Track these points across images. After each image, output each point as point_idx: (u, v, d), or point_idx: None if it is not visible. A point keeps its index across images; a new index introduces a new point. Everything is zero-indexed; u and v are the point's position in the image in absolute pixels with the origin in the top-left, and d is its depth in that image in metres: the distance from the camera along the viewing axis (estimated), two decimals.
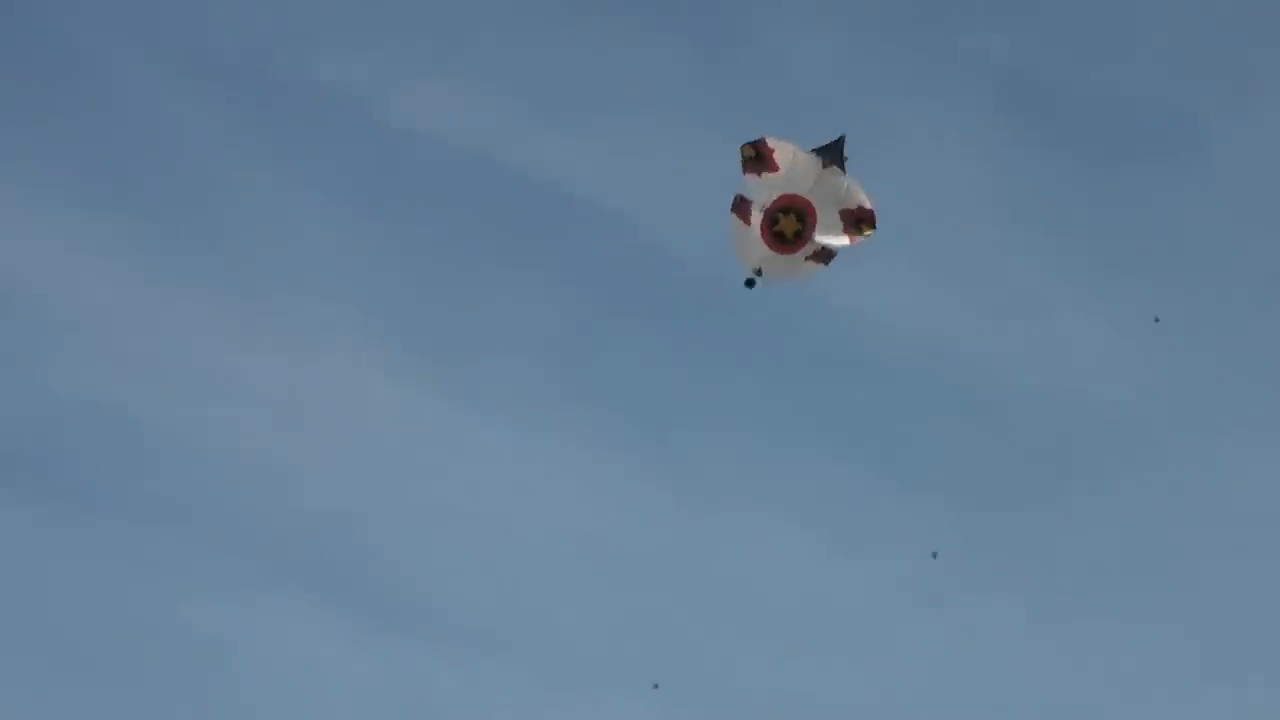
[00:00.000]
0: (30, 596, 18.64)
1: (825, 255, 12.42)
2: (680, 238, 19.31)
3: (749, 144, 12.01)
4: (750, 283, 12.47)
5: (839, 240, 12.25)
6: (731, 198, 12.31)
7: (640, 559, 19.39)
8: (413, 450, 20.20)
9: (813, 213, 12.32)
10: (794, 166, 12.08)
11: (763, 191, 12.22)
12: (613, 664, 18.43)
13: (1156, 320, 17.27)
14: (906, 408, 20.20)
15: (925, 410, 20.19)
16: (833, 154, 12.08)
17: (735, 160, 12.61)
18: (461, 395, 20.38)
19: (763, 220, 12.38)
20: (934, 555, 15.81)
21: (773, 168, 12.06)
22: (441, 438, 20.18)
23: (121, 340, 20.43)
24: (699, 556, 18.42)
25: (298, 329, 20.77)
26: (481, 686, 18.00)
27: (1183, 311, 19.53)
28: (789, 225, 12.38)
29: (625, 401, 20.23)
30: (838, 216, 12.11)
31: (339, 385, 20.36)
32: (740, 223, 12.40)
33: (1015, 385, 20.72)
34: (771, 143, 12.00)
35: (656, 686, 16.52)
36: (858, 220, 12.12)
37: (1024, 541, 19.54)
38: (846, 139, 12.12)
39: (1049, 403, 20.36)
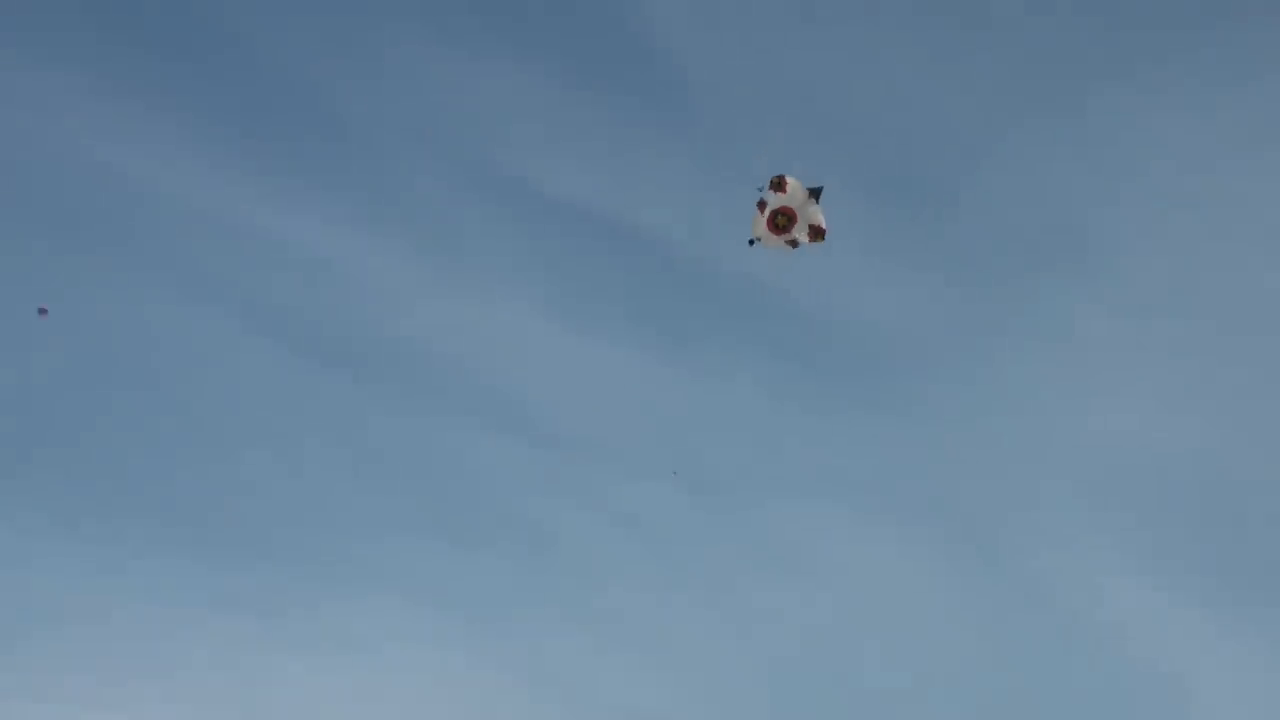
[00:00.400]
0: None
1: (795, 244, 22.65)
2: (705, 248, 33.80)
3: (776, 176, 22.25)
4: (751, 243, 22.73)
5: (804, 238, 22.67)
6: (755, 210, 22.51)
7: (662, 402, 35.73)
8: (545, 349, 36.41)
9: (796, 219, 22.45)
10: (795, 192, 22.22)
11: (775, 200, 22.30)
12: (647, 460, 33.88)
13: (675, 473, 32.20)
14: (815, 350, 37.09)
15: (821, 352, 36.72)
16: (816, 193, 22.40)
17: (737, 206, 23.19)
18: (573, 326, 37.18)
19: (769, 215, 22.61)
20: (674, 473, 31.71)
21: (784, 190, 22.14)
22: (560, 348, 36.67)
23: (408, 301, 36.60)
24: (692, 402, 35.10)
25: (476, 286, 37.27)
26: (559, 470, 34.32)
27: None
28: (782, 221, 22.53)
29: (661, 327, 36.95)
30: (808, 226, 22.47)
31: (495, 317, 36.83)
32: (759, 213, 22.56)
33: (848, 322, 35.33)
34: (788, 178, 22.27)
35: (676, 473, 31.12)
36: (817, 231, 22.53)
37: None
38: (823, 189, 22.56)
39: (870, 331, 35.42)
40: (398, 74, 37.52)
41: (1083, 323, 36.80)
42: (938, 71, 37.49)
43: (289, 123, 37.33)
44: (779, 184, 21.80)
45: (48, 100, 34.93)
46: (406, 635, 32.10)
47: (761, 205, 21.64)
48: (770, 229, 22.16)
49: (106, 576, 31.65)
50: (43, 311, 27.93)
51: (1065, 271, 37.15)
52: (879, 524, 34.71)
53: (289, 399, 35.49)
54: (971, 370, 37.51)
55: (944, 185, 36.59)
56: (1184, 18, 35.77)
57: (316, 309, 36.58)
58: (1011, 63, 37.32)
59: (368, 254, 37.01)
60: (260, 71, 37.29)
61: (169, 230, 35.68)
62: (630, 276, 37.70)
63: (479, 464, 35.21)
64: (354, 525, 33.81)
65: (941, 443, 35.74)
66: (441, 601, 32.51)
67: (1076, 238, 36.83)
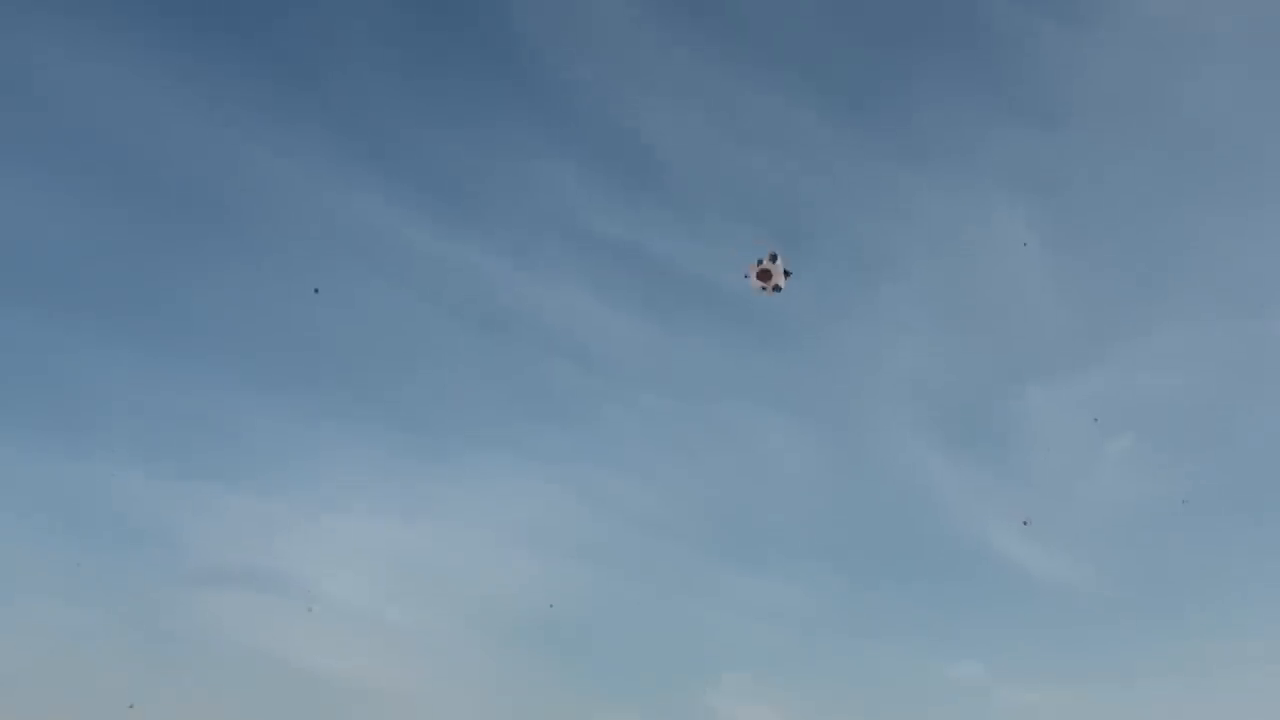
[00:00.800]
0: None
1: (764, 289, 41.26)
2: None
3: (772, 251, 40.53)
4: (746, 276, 41.14)
5: (770, 290, 41.11)
6: (752, 262, 40.90)
7: (660, 347, 61.90)
8: (593, 319, 62.74)
9: (772, 277, 41.02)
10: (779, 264, 40.76)
11: (766, 263, 40.80)
12: (650, 378, 62.82)
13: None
14: (751, 321, 57.76)
15: (757, 321, 57.41)
16: (789, 273, 40.82)
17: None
18: (608, 305, 61.77)
19: (758, 270, 40.95)
20: None
21: (774, 261, 40.63)
22: (601, 318, 62.21)
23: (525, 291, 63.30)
24: (679, 348, 61.14)
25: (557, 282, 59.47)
26: (599, 384, 60.83)
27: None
28: (765, 277, 41.03)
29: (659, 310, 60.80)
30: (775, 284, 40.98)
31: (569, 301, 60.33)
32: (754, 268, 40.88)
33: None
34: (779, 256, 40.58)
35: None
36: (777, 288, 40.94)
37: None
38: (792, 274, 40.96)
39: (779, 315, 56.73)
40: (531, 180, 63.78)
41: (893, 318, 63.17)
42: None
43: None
44: (773, 257, 39.89)
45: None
46: (510, 470, 59.95)
47: (757, 265, 39.92)
48: (755, 275, 40.28)
49: (354, 439, 59.75)
50: (316, 291, 54.09)
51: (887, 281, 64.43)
52: (783, 416, 62.56)
53: (457, 349, 62.76)
54: (832, 337, 64.04)
55: (812, 233, 62.70)
56: None
57: (475, 299, 63.00)
58: None
59: (502, 269, 62.82)
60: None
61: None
62: (640, 276, 64.12)
63: (554, 381, 61.91)
64: (482, 413, 61.55)
65: (819, 372, 62.91)
66: (532, 455, 60.54)
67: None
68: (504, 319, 63.12)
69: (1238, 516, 58.38)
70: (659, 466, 61.01)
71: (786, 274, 40.73)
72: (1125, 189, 63.61)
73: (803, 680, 56.15)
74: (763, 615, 57.58)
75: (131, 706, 45.12)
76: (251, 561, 55.65)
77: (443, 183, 64.60)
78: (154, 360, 59.85)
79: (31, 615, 50.06)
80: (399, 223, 63.32)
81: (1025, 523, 49.95)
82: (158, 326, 60.98)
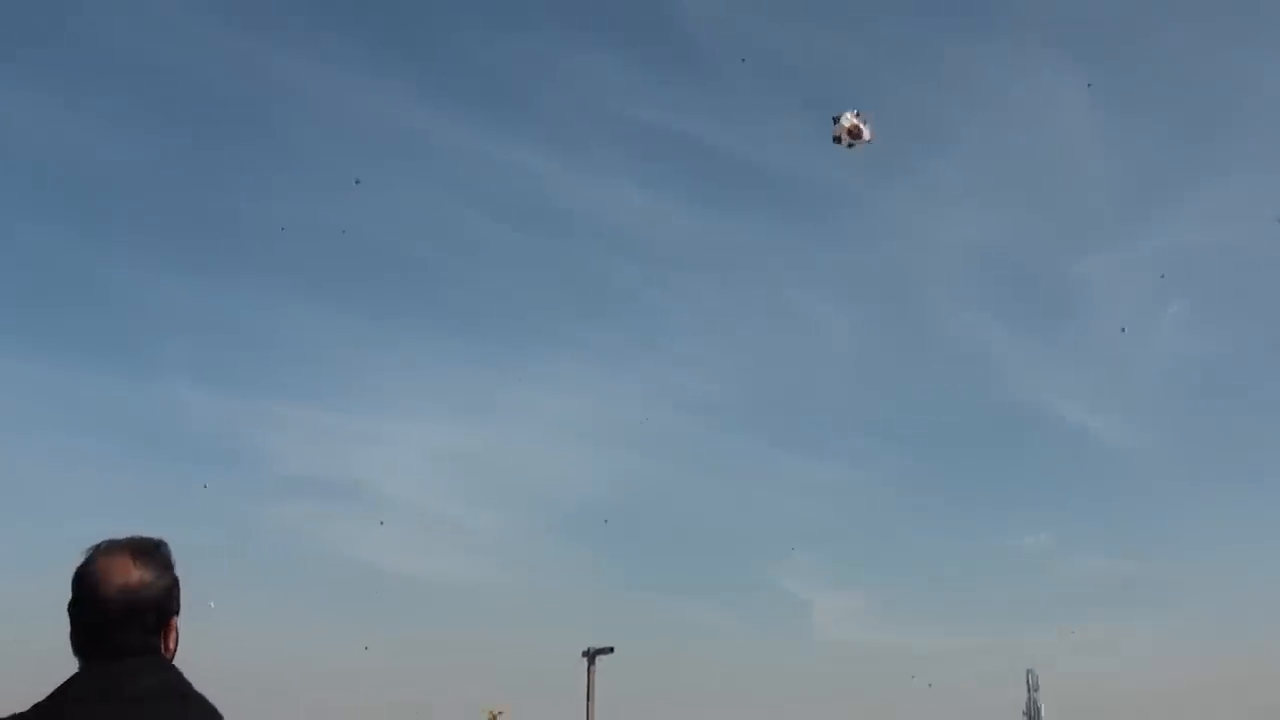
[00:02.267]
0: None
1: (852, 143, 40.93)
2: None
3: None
4: (836, 139, 40.76)
5: (863, 141, 40.82)
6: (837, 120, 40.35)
7: (711, 225, 68.67)
8: (632, 207, 68.72)
9: (860, 132, 40.63)
10: (860, 117, 40.33)
11: (847, 121, 40.35)
12: (695, 257, 67.91)
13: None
14: (796, 205, 64.34)
15: (804, 206, 64.08)
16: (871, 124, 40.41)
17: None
18: (639, 189, 65.20)
19: (847, 130, 40.52)
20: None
21: (845, 115, 40.15)
22: (639, 205, 68.02)
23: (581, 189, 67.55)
24: (734, 225, 69.20)
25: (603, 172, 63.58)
26: (646, 264, 68.22)
27: None
28: (854, 132, 40.60)
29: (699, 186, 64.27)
30: (868, 138, 40.64)
31: (619, 198, 69.01)
32: (838, 126, 40.44)
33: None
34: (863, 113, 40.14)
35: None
36: (867, 141, 40.67)
37: None
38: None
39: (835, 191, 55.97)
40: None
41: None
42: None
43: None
44: (857, 113, 39.56)
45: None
46: (567, 367, 63.80)
47: (843, 122, 39.65)
48: (849, 136, 40.17)
49: (414, 345, 62.14)
50: (357, 181, 52.62)
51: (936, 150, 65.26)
52: (836, 294, 65.12)
53: (505, 248, 64.59)
54: (882, 211, 64.90)
55: (856, 104, 60.62)
56: None
57: (519, 196, 63.90)
58: None
59: (544, 163, 64.38)
60: None
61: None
62: (683, 162, 65.13)
63: (605, 275, 64.45)
64: (535, 311, 63.35)
65: (870, 247, 65.68)
66: (585, 349, 64.14)
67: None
68: (548, 214, 64.01)
69: None
70: (715, 354, 62.23)
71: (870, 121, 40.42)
72: (1177, 43, 62.88)
73: (873, 558, 59.10)
74: (830, 496, 61.22)
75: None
76: (323, 472, 60.06)
77: (478, 77, 64.71)
78: (207, 276, 63.48)
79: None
80: (439, 123, 63.97)
81: (1123, 330, 51.49)
82: (209, 243, 64.77)
